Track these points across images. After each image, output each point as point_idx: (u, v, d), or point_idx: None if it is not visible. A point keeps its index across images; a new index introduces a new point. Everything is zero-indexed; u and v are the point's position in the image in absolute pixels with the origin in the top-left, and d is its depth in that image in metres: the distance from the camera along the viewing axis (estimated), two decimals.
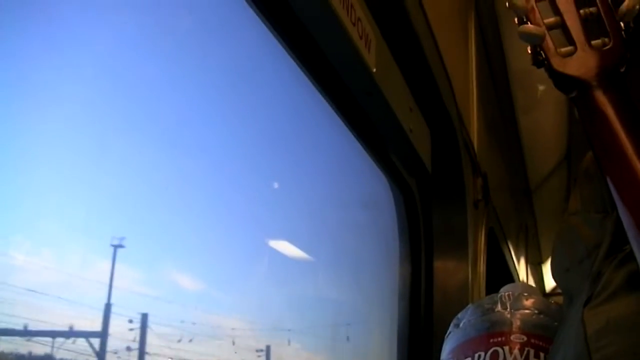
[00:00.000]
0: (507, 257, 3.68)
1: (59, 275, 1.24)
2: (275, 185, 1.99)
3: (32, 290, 1.12)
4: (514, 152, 4.15)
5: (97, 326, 1.32)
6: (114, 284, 1.31)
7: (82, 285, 1.27)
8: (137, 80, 1.44)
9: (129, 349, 1.42)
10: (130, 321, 1.42)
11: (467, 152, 2.42)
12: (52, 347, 1.20)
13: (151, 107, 1.51)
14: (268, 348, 1.85)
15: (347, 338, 2.21)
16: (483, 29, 2.93)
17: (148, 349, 1.44)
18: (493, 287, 2.86)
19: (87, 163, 1.30)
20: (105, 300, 1.31)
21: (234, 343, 1.69)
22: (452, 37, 2.49)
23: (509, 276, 3.83)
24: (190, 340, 1.55)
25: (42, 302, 1.15)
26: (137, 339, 1.42)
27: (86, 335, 1.31)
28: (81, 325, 1.29)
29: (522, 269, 4.60)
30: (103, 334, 1.32)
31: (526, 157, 4.30)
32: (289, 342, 1.95)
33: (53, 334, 1.21)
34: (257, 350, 1.83)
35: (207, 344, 1.67)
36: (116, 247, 1.33)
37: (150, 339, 1.43)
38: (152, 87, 1.50)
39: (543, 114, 3.92)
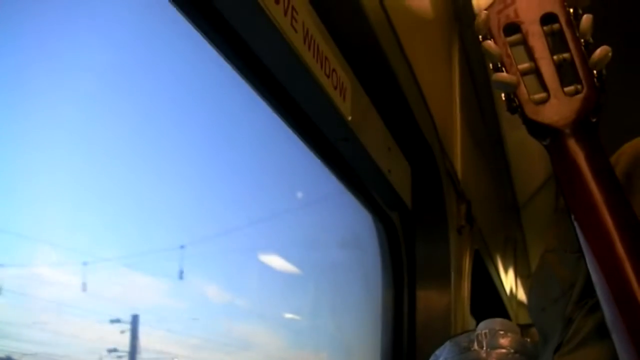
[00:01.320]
0: (494, 275, 3.71)
1: None
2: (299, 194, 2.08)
3: None
4: (501, 169, 4.17)
5: None
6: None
7: None
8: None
9: None
10: None
11: (450, 180, 2.44)
12: None
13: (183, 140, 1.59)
14: None
15: None
16: (467, 50, 2.95)
17: None
18: (480, 307, 2.90)
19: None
20: None
21: None
22: (434, 64, 2.51)
23: (496, 294, 3.86)
24: None
25: None
26: None
27: None
28: None
29: (511, 284, 4.63)
30: None
31: (513, 173, 4.31)
32: None
33: None
34: None
35: None
36: None
37: None
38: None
39: None
